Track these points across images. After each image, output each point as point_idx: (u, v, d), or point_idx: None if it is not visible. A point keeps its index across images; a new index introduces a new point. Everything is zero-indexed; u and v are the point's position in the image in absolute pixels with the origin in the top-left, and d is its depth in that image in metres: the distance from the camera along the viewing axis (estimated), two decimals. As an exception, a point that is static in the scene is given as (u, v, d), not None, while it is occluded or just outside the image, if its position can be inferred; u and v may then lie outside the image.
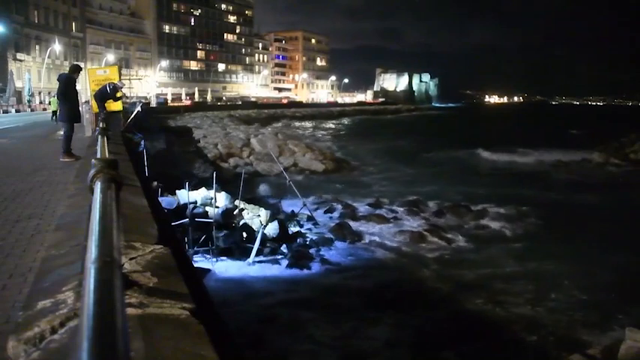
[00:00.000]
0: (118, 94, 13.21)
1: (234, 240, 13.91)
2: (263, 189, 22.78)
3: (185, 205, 14.87)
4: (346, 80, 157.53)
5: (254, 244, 13.41)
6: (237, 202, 15.59)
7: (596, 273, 12.65)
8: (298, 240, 14.60)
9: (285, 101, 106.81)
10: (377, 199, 20.61)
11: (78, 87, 10.88)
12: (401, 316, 10.27)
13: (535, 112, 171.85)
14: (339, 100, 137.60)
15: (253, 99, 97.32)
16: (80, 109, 10.91)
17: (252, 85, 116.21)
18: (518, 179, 28.18)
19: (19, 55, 58.21)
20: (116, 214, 1.55)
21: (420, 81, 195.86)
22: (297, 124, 74.65)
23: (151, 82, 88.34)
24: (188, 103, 73.47)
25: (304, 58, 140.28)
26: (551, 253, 14.35)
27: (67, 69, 10.45)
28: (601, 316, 10.31)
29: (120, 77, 15.56)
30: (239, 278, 12.25)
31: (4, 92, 45.40)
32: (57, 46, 60.95)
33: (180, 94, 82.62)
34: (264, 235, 13.96)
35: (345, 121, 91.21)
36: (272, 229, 14.43)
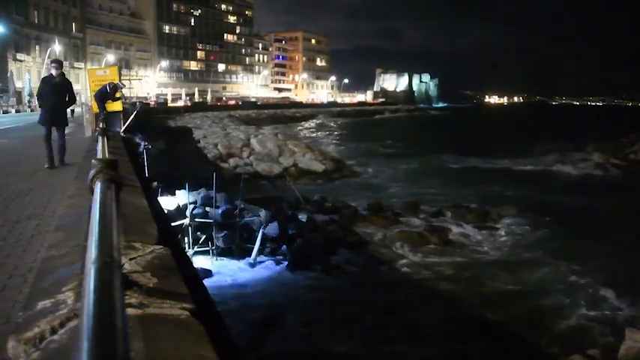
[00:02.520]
0: (117, 95, 13.21)
1: (235, 240, 13.91)
2: (263, 189, 22.78)
3: (185, 206, 14.87)
4: (346, 80, 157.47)
5: (254, 245, 13.42)
6: (237, 203, 15.59)
7: (596, 273, 12.64)
8: (298, 240, 14.59)
9: (315, 101, 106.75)
10: (377, 199, 20.59)
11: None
12: (400, 315, 10.27)
13: (535, 112, 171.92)
14: (339, 100, 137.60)
15: (253, 99, 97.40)
16: (69, 109, 9.86)
17: (252, 85, 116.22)
18: (518, 180, 28.17)
19: (19, 56, 58.22)
20: (116, 214, 1.55)
21: (420, 81, 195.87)
22: (299, 125, 74.77)
23: (150, 83, 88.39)
24: (188, 103, 73.37)
25: (304, 59, 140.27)
26: (551, 253, 14.34)
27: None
28: (601, 316, 10.31)
29: (120, 78, 15.56)
30: (239, 278, 12.25)
31: (5, 92, 45.40)
32: (57, 47, 60.84)
33: (180, 94, 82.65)
34: (264, 235, 13.96)
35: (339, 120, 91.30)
36: (272, 229, 14.43)
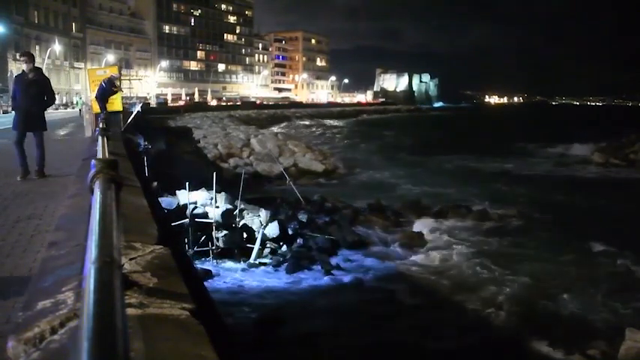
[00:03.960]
0: (115, 88, 13.17)
1: (235, 240, 13.90)
2: (263, 189, 22.77)
3: (185, 206, 14.85)
4: (346, 80, 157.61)
5: (254, 245, 13.41)
6: (237, 203, 15.58)
7: (597, 273, 12.65)
8: (298, 240, 14.59)
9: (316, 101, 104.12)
10: (377, 199, 20.58)
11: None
12: (400, 316, 10.27)
13: (535, 112, 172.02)
14: (339, 101, 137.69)
15: (253, 99, 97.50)
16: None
17: (252, 85, 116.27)
18: (518, 180, 28.18)
19: (19, 56, 58.24)
20: (116, 214, 1.55)
21: (420, 81, 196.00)
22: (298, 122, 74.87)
23: (150, 83, 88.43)
24: (185, 104, 73.35)
25: (304, 59, 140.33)
26: (552, 253, 14.34)
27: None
28: (601, 316, 10.31)
29: (120, 78, 15.54)
30: (239, 278, 12.25)
31: (5, 92, 45.50)
32: (57, 47, 61.01)
33: (180, 94, 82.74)
34: (264, 235, 13.95)
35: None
36: (272, 229, 14.41)
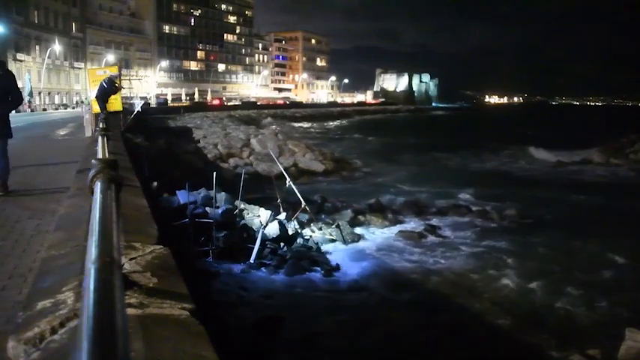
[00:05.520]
0: (115, 87, 13.15)
1: (235, 240, 13.89)
2: (263, 189, 22.75)
3: (185, 205, 14.84)
4: (346, 80, 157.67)
5: (254, 245, 13.40)
6: (237, 203, 15.58)
7: (596, 273, 12.65)
8: (298, 240, 14.59)
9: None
10: (377, 199, 20.58)
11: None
12: (400, 316, 10.27)
13: (535, 112, 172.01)
14: (339, 101, 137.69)
15: (253, 99, 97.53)
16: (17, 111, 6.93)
17: (252, 85, 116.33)
18: (518, 180, 28.18)
19: (19, 56, 58.23)
20: (116, 214, 1.55)
21: (420, 81, 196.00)
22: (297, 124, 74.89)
23: (150, 83, 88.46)
24: (186, 103, 73.62)
25: (304, 59, 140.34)
26: (551, 253, 14.34)
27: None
28: (601, 316, 10.31)
29: (120, 78, 15.54)
30: (239, 279, 12.24)
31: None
32: (57, 47, 61.01)
33: (180, 94, 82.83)
34: (264, 235, 13.94)
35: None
36: (272, 229, 14.41)
